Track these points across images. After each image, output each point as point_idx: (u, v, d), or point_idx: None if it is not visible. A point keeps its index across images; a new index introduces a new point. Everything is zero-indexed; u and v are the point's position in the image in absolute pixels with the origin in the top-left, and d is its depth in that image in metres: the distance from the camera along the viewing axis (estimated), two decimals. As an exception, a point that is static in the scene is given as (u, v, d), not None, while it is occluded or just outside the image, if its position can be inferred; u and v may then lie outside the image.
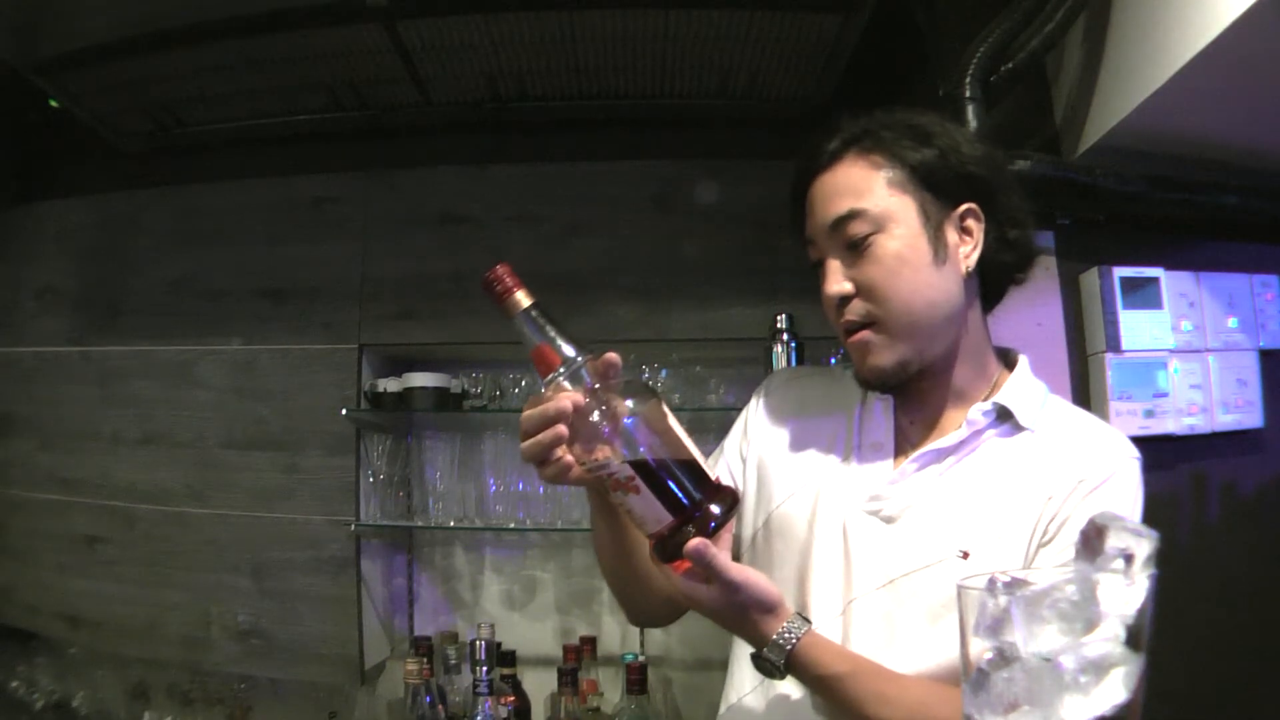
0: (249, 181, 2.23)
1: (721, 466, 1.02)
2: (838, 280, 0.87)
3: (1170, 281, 1.64)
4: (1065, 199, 1.58)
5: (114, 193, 2.32)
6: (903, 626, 0.84)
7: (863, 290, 0.86)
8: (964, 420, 0.89)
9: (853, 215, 0.85)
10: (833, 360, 1.85)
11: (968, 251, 0.88)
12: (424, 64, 1.98)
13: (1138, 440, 1.59)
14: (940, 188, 0.87)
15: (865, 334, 0.87)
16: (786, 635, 0.77)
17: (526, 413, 0.81)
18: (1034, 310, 1.64)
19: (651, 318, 2.04)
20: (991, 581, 0.54)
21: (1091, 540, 0.54)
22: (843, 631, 0.85)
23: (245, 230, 2.20)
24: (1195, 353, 1.65)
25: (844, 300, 0.86)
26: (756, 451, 1.00)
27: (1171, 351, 1.63)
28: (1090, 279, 1.64)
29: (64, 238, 2.32)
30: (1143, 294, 1.62)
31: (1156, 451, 1.61)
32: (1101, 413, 1.60)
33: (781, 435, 0.99)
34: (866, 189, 0.86)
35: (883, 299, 0.85)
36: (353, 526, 2.03)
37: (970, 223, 0.88)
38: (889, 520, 0.87)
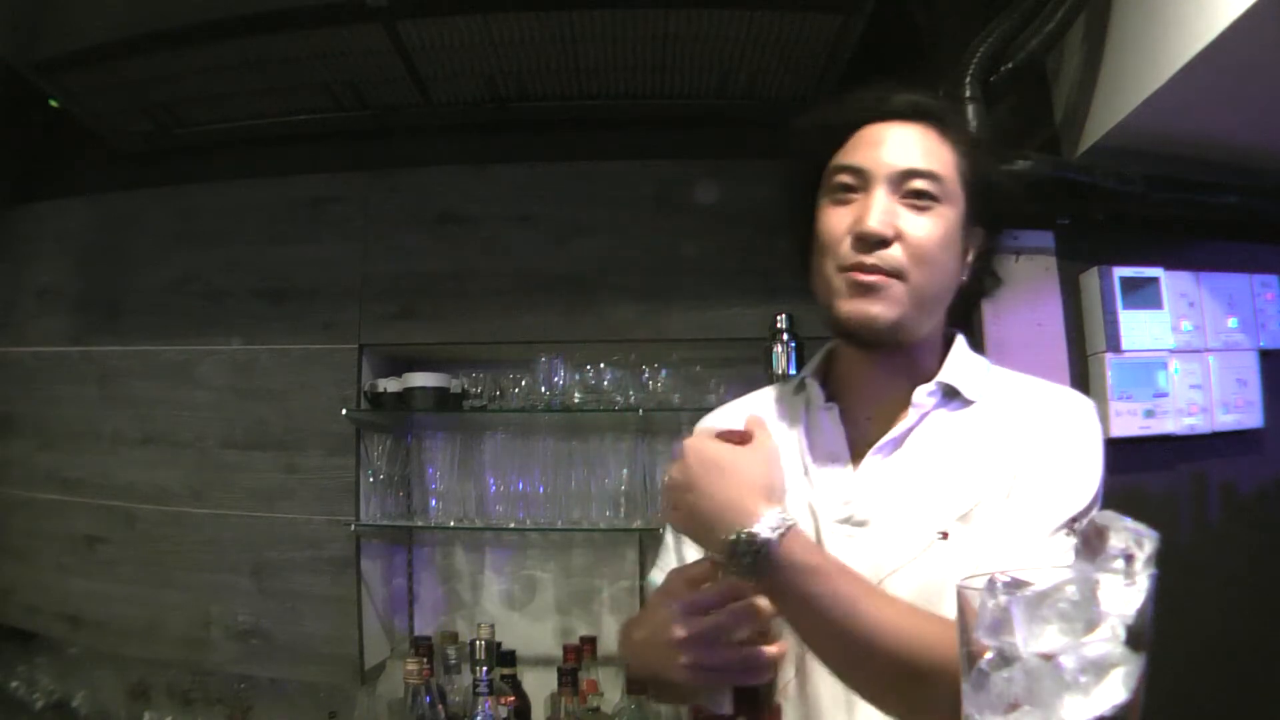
0: (249, 181, 2.23)
1: (678, 554, 0.97)
2: (887, 219, 0.84)
3: (1170, 281, 1.64)
4: (1065, 199, 1.58)
5: (114, 193, 2.32)
6: None
7: (908, 244, 0.84)
8: (914, 402, 0.90)
9: (932, 175, 0.86)
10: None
11: (969, 263, 0.92)
12: (424, 64, 1.98)
13: (1138, 440, 1.60)
14: (976, 203, 0.90)
15: (886, 279, 0.84)
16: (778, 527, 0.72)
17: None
18: (1034, 310, 1.64)
19: (651, 318, 2.04)
20: (991, 581, 0.54)
21: (1092, 540, 0.54)
22: None
23: (245, 230, 2.20)
24: (1195, 353, 1.65)
25: (883, 242, 0.83)
26: None
27: (1171, 351, 1.63)
28: (1090, 279, 1.64)
29: (64, 238, 2.33)
30: (1143, 294, 1.62)
31: (1156, 451, 1.62)
32: (1102, 413, 1.60)
33: None
34: (943, 161, 0.87)
35: (923, 260, 0.84)
36: (353, 526, 2.03)
37: (971, 244, 0.92)
38: (861, 524, 0.86)
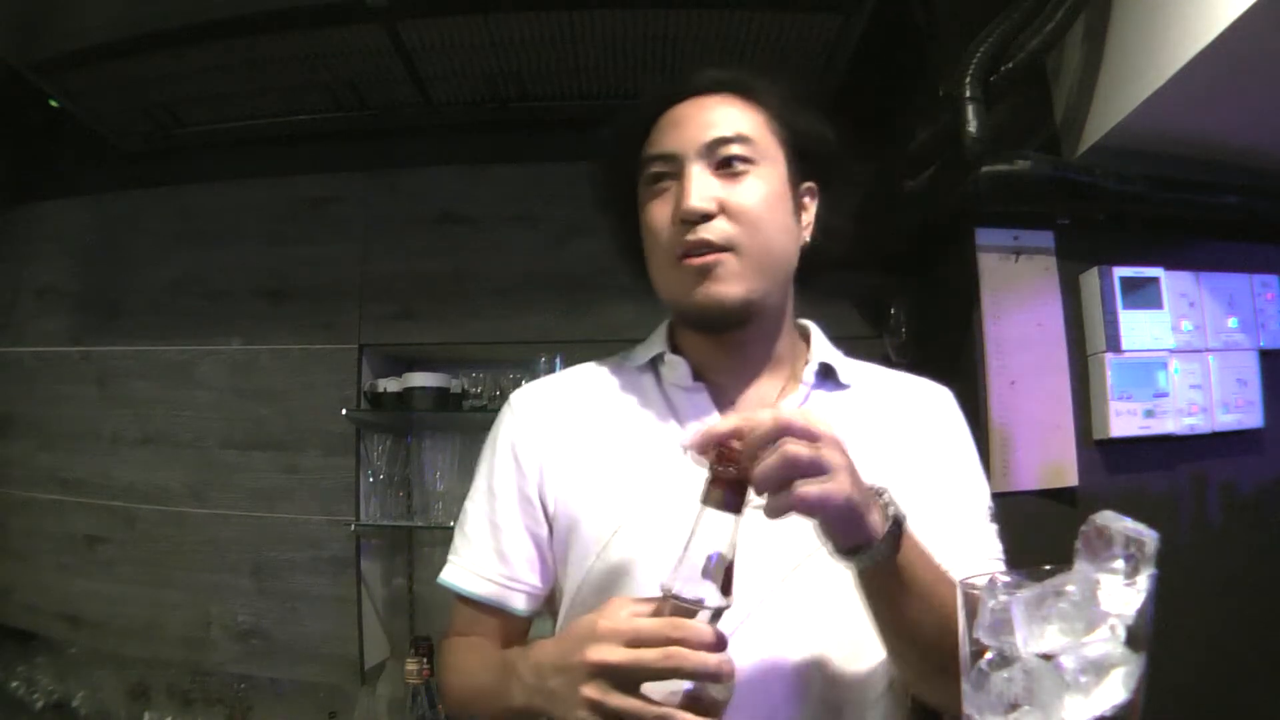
0: (249, 181, 2.23)
1: (509, 527, 0.90)
2: (705, 193, 0.81)
3: (1170, 281, 1.65)
4: (1065, 199, 1.58)
5: (113, 193, 2.32)
6: (824, 603, 0.79)
7: (732, 212, 0.82)
8: (796, 384, 0.89)
9: (738, 139, 0.84)
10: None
11: (807, 222, 0.90)
12: (424, 64, 1.98)
13: (1138, 440, 1.60)
14: (801, 155, 0.88)
15: (722, 256, 0.81)
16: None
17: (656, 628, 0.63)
18: (1034, 310, 1.64)
19: (651, 318, 2.03)
20: (992, 581, 0.54)
21: (1092, 540, 0.54)
22: (761, 628, 0.78)
23: (245, 230, 2.20)
24: (1195, 353, 1.65)
25: (706, 217, 0.81)
26: (549, 485, 0.89)
27: (1171, 351, 1.63)
28: (1090, 279, 1.64)
29: (64, 238, 2.33)
30: (1143, 294, 1.63)
31: (1156, 451, 1.62)
32: (1101, 413, 1.60)
33: (577, 456, 0.88)
34: (748, 124, 0.85)
35: (752, 225, 0.82)
36: (353, 526, 2.03)
37: (807, 200, 0.90)
38: (758, 506, 0.83)
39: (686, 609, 0.62)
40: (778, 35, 1.85)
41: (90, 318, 2.25)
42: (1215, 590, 1.53)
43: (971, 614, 0.55)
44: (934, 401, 0.92)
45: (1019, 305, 1.64)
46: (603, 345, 2.04)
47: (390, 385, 2.09)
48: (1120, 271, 1.62)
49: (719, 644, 0.61)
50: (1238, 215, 1.63)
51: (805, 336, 0.95)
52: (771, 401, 0.87)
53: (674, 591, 0.62)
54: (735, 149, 0.83)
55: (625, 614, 0.64)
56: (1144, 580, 0.52)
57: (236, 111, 2.20)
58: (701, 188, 0.82)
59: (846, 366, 0.92)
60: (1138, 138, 1.51)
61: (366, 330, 2.11)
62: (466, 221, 2.13)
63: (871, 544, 0.65)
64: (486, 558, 0.90)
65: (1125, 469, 1.62)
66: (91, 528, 2.16)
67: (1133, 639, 0.51)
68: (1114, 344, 1.60)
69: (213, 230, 2.22)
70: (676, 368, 0.91)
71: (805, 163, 0.89)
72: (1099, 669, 0.50)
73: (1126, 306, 1.61)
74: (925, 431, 0.88)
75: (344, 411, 2.04)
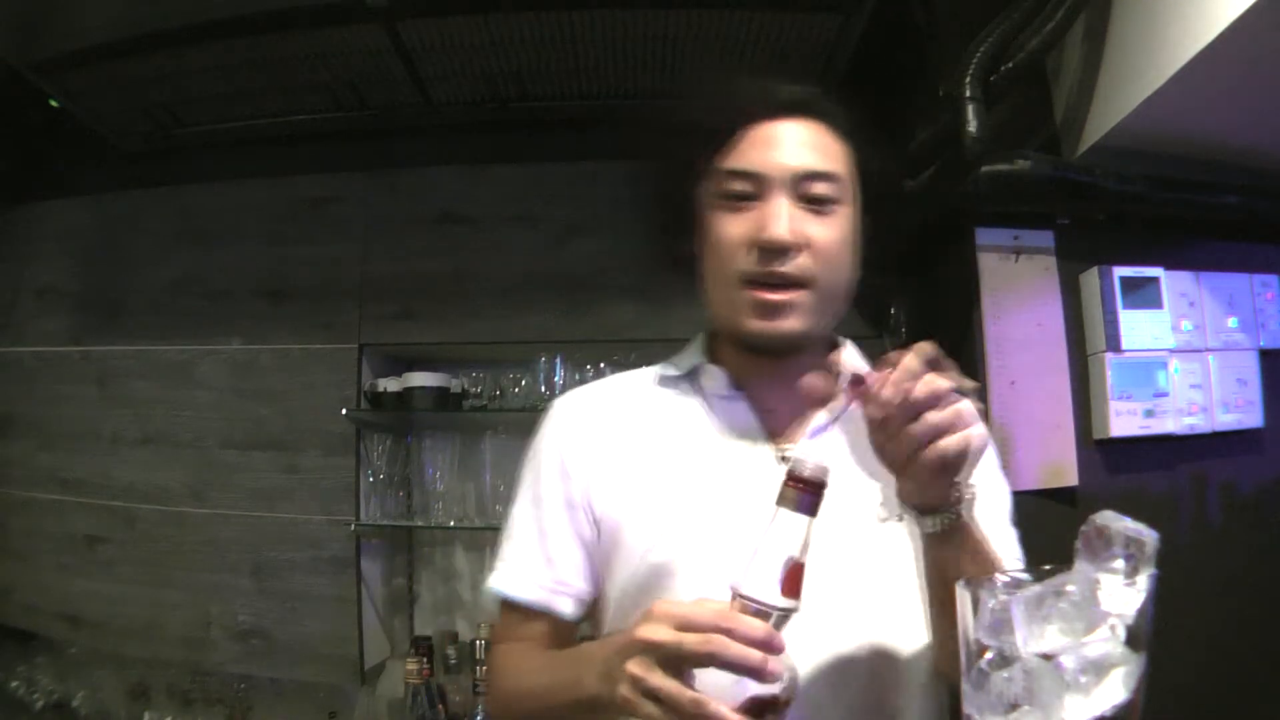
0: (249, 181, 2.23)
1: (555, 532, 0.89)
2: (793, 226, 0.81)
3: (1170, 281, 1.64)
4: (1065, 199, 1.58)
5: (114, 193, 2.32)
6: (867, 597, 0.81)
7: (816, 250, 0.82)
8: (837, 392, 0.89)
9: (830, 176, 0.83)
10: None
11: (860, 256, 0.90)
12: (424, 64, 1.98)
13: (1138, 440, 1.60)
14: (867, 195, 0.88)
15: (800, 294, 0.82)
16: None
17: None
18: (1034, 310, 1.64)
19: (651, 318, 2.04)
20: (992, 581, 0.54)
21: (1092, 540, 0.54)
22: (805, 621, 0.78)
23: (245, 230, 2.20)
24: (1195, 352, 1.65)
25: (789, 250, 0.81)
26: (595, 490, 0.89)
27: (1171, 351, 1.63)
28: (1090, 279, 1.64)
29: (64, 238, 2.33)
30: (1143, 294, 1.62)
31: (1156, 451, 1.62)
32: (1101, 413, 1.60)
33: (621, 463, 0.89)
34: (837, 159, 0.85)
35: (830, 264, 0.83)
36: (353, 526, 2.03)
37: (862, 235, 0.90)
38: None
39: (754, 609, 0.62)
40: (778, 35, 1.85)
41: (90, 318, 2.25)
42: (1215, 590, 1.53)
43: (971, 613, 0.55)
44: None
45: (1019, 305, 1.63)
46: (603, 345, 2.07)
47: (390, 385, 2.09)
48: (1120, 271, 1.62)
49: (771, 643, 0.61)
50: (1238, 215, 1.63)
51: (833, 346, 0.95)
52: (809, 411, 0.88)
53: (741, 591, 0.62)
54: (825, 187, 0.83)
55: (690, 602, 0.64)
56: (1144, 580, 0.52)
57: (236, 111, 2.20)
58: (790, 220, 0.81)
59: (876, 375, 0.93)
60: (1138, 138, 1.51)
61: (366, 330, 2.11)
62: (466, 221, 2.13)
63: (958, 503, 0.69)
64: (534, 563, 0.90)
65: (1125, 469, 1.62)
66: (91, 528, 2.16)
67: (1133, 639, 0.51)
68: (1114, 344, 1.60)
69: (213, 230, 2.22)
70: (716, 378, 0.92)
71: (870, 200, 0.89)
72: (1099, 669, 0.50)
73: (1126, 306, 1.61)
74: None
75: (344, 411, 2.04)
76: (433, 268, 2.10)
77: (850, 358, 0.93)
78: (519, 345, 2.09)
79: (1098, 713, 0.49)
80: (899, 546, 0.82)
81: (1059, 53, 1.63)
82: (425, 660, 1.81)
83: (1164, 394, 1.61)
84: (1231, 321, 1.68)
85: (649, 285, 2.04)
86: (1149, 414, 1.60)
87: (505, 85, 2.11)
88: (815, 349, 0.91)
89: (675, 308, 2.04)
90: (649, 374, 0.98)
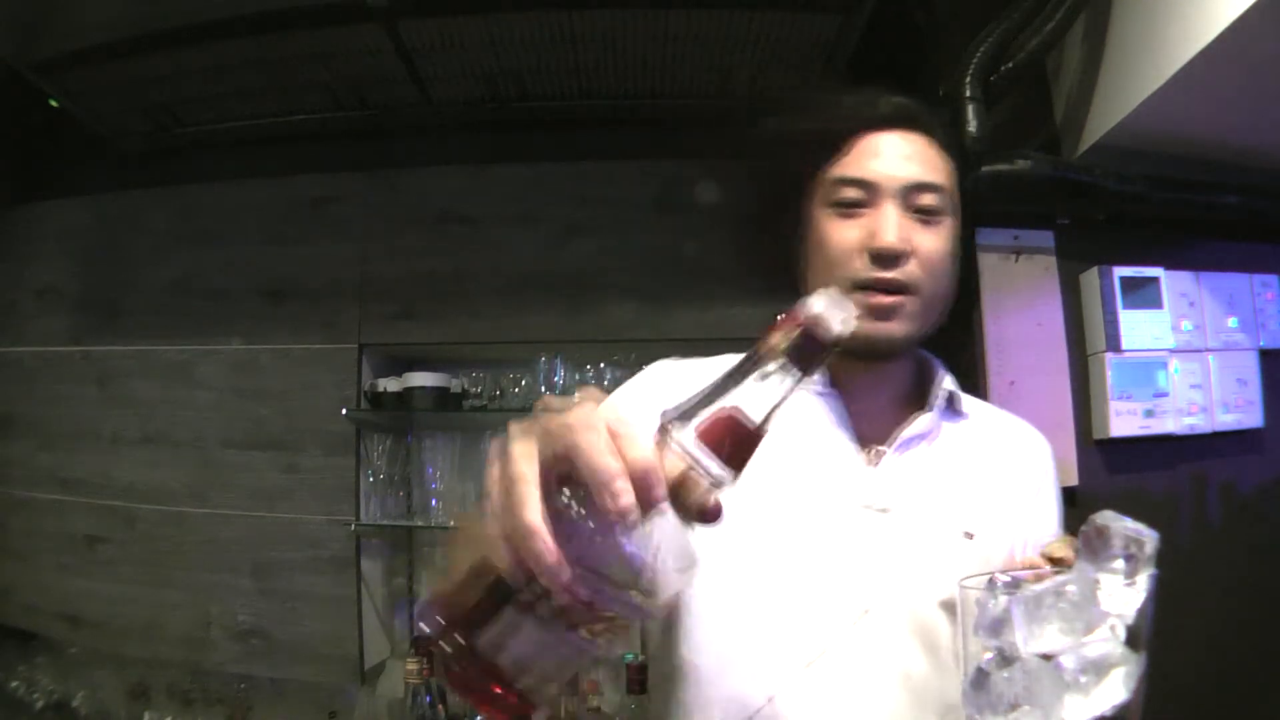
0: (249, 181, 2.23)
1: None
2: (903, 235, 0.84)
3: (1170, 281, 1.65)
4: (1065, 199, 1.58)
5: (114, 193, 2.32)
6: (923, 618, 0.82)
7: (922, 259, 0.85)
8: (918, 406, 0.91)
9: (938, 189, 0.86)
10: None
11: None
12: (424, 64, 1.98)
13: (1138, 440, 1.60)
14: (965, 209, 0.92)
15: (904, 299, 0.85)
16: None
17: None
18: (1034, 310, 1.64)
19: (651, 318, 2.04)
20: (991, 581, 0.54)
21: (1092, 540, 0.54)
22: (858, 640, 0.81)
23: (245, 230, 2.20)
24: (1195, 352, 1.65)
25: (899, 257, 0.84)
26: None
27: (1171, 351, 1.63)
28: (1090, 279, 1.64)
29: (64, 238, 2.32)
30: (1143, 294, 1.63)
31: (1156, 451, 1.62)
32: (1101, 412, 1.60)
33: None
34: (942, 172, 0.88)
35: (934, 274, 0.86)
36: (353, 526, 2.03)
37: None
38: (884, 510, 0.85)
39: (671, 448, 0.46)
40: (778, 35, 1.85)
41: (90, 318, 2.25)
42: (1215, 590, 1.53)
43: (969, 615, 0.55)
44: (1038, 450, 0.97)
45: (1019, 305, 1.64)
46: (603, 345, 2.07)
47: (390, 385, 2.09)
48: (1120, 271, 1.62)
49: (647, 479, 0.43)
50: (1238, 215, 1.63)
51: (921, 361, 0.98)
52: (900, 419, 0.90)
53: (665, 418, 0.48)
54: (934, 199, 0.86)
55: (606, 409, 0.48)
56: (1144, 580, 0.52)
57: (236, 111, 2.20)
58: (900, 229, 0.84)
59: (964, 397, 0.95)
60: (1138, 138, 1.51)
61: (366, 330, 2.10)
62: (466, 221, 2.13)
63: None
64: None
65: (1125, 469, 1.62)
66: (91, 528, 2.16)
67: (1133, 639, 0.51)
68: (1114, 344, 1.60)
69: (213, 230, 2.21)
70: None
71: (965, 214, 0.92)
72: (1099, 669, 0.50)
73: (1126, 306, 1.61)
74: (1028, 477, 0.93)
75: (344, 411, 2.04)
76: (433, 268, 2.10)
77: (943, 374, 0.95)
78: (519, 345, 2.09)
79: (1098, 713, 0.49)
80: (984, 565, 0.82)
81: (1059, 53, 1.63)
82: (425, 660, 1.81)
83: (1164, 394, 1.61)
84: (1231, 321, 1.68)
85: (649, 285, 2.05)
86: (1149, 414, 1.60)
87: (505, 85, 2.11)
88: (905, 358, 0.93)
89: (675, 308, 2.04)
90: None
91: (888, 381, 0.92)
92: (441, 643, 0.48)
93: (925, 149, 0.88)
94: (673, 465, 0.46)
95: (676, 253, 2.04)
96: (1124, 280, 1.62)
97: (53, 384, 2.25)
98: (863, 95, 0.91)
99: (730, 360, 0.50)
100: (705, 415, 0.47)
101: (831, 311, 0.48)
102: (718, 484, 0.47)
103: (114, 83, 2.03)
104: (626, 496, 0.43)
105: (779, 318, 0.50)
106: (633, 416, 0.46)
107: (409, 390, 2.07)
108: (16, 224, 2.38)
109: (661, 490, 0.44)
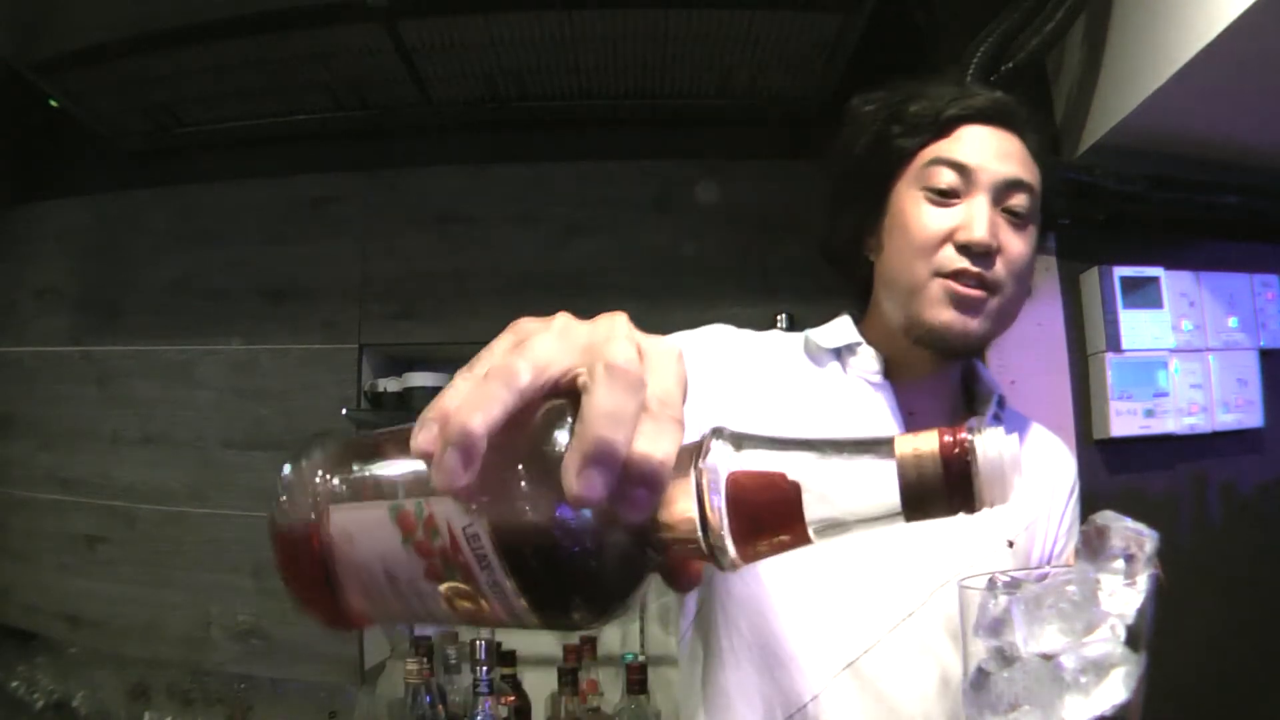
0: (249, 181, 2.23)
1: None
2: (995, 230, 0.82)
3: (1170, 281, 1.65)
4: (1065, 199, 1.58)
5: (114, 193, 2.32)
6: (937, 649, 0.81)
7: (1007, 260, 0.82)
8: (982, 411, 0.91)
9: (1032, 190, 0.85)
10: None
11: None
12: (424, 64, 1.98)
13: (1138, 440, 1.60)
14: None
15: (988, 296, 0.82)
16: None
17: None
18: (1034, 310, 1.64)
19: (651, 318, 1.99)
20: (991, 582, 0.54)
21: (1092, 540, 0.54)
22: (900, 642, 0.80)
23: (245, 230, 2.20)
24: (1195, 352, 1.65)
25: (988, 253, 0.81)
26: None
27: (1172, 351, 1.63)
28: (1090, 279, 1.64)
29: (64, 238, 2.32)
30: (1143, 293, 1.63)
31: (1156, 451, 1.62)
32: (1101, 413, 1.60)
33: (748, 412, 0.82)
34: (1035, 176, 0.86)
35: (1017, 276, 0.84)
36: (353, 526, 2.02)
37: None
38: None
39: (693, 485, 0.35)
40: (777, 35, 1.85)
41: (90, 318, 2.25)
42: (1215, 590, 1.53)
43: (969, 615, 0.55)
44: (1066, 461, 0.98)
45: (1019, 305, 1.63)
46: (602, 345, 2.06)
47: (390, 385, 2.08)
48: (1120, 271, 1.62)
49: (641, 490, 0.32)
50: (1238, 215, 1.63)
51: (969, 365, 0.97)
52: (949, 422, 0.87)
53: (710, 440, 0.36)
54: (1025, 200, 0.84)
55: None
56: (1144, 580, 0.52)
57: (236, 111, 2.20)
58: (992, 224, 0.82)
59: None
60: (1138, 138, 1.51)
61: (366, 330, 2.10)
62: (466, 221, 2.13)
63: None
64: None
65: (1125, 469, 1.62)
66: (91, 528, 2.16)
67: (1133, 639, 0.51)
68: (1114, 344, 1.60)
69: (213, 230, 2.21)
70: (870, 361, 0.90)
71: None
72: (1099, 669, 0.50)
73: (1126, 306, 1.61)
74: (1060, 488, 0.94)
75: (344, 411, 2.04)
76: (433, 267, 2.10)
77: (990, 377, 0.95)
78: (519, 345, 2.09)
79: (1098, 713, 0.49)
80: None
81: (1059, 52, 1.63)
82: (425, 660, 1.81)
83: (1164, 394, 1.61)
84: (1232, 321, 1.68)
85: (649, 285, 2.04)
86: (1149, 414, 1.60)
87: (505, 85, 2.11)
88: (958, 366, 0.92)
89: (675, 308, 2.04)
90: (796, 338, 0.97)
91: (944, 382, 0.91)
92: (293, 490, 0.38)
93: (1023, 151, 0.86)
94: (677, 490, 0.34)
95: (676, 253, 2.04)
96: (1124, 280, 1.62)
97: (53, 384, 2.25)
98: (973, 87, 0.91)
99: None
100: (758, 461, 0.35)
101: (1004, 455, 0.36)
102: (713, 552, 0.34)
103: (114, 83, 2.03)
104: (596, 488, 0.31)
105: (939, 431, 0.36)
106: (685, 390, 0.36)
107: (409, 390, 2.07)
108: (16, 224, 2.38)
109: (645, 514, 0.32)
